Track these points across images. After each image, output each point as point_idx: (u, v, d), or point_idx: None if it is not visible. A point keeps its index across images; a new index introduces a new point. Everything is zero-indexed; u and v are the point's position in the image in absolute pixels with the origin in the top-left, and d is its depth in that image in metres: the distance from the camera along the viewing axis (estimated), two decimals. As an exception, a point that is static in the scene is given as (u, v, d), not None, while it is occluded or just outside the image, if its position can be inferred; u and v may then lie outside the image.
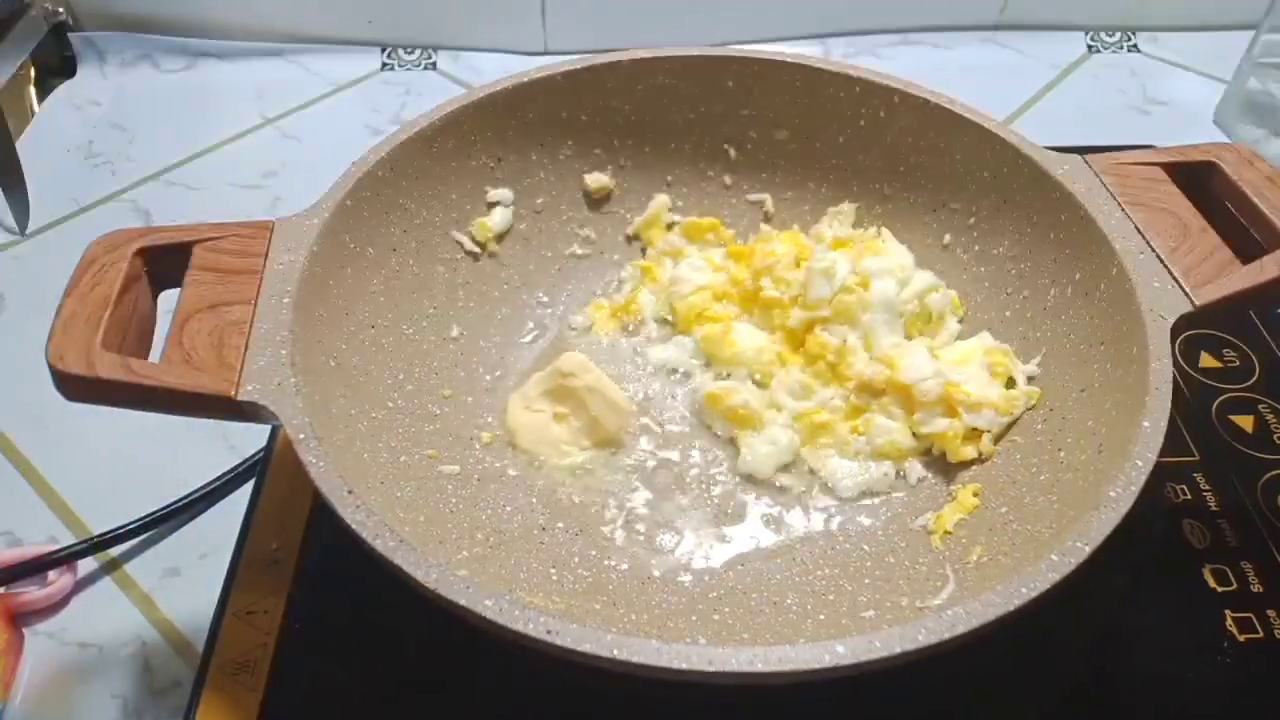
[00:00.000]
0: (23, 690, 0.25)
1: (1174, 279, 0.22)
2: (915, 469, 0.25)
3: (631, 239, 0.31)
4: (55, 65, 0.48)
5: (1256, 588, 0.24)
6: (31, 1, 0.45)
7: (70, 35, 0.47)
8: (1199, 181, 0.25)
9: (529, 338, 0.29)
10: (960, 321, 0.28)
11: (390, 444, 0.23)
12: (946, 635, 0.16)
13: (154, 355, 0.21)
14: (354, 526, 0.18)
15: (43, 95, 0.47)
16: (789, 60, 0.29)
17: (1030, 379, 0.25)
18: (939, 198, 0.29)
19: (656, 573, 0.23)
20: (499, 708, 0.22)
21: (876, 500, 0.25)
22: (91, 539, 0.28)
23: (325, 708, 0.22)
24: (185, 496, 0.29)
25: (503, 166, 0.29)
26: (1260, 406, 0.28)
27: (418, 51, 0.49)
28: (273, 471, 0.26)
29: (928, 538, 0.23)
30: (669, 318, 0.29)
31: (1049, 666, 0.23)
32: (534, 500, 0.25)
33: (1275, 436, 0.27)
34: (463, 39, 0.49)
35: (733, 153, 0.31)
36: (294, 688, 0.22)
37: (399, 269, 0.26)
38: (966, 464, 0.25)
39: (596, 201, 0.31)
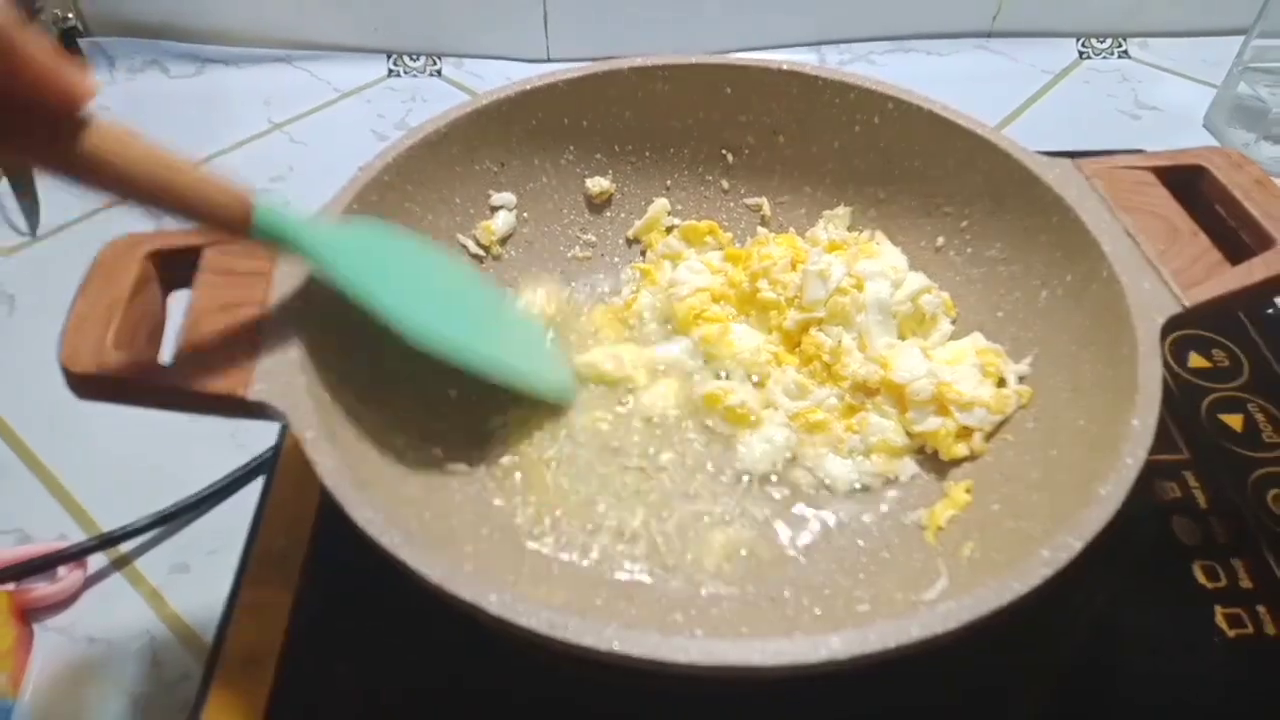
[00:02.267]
0: (33, 685, 0.25)
1: (1164, 281, 0.22)
2: (909, 466, 0.26)
3: (631, 242, 0.32)
4: (65, 71, 0.48)
5: (1246, 584, 0.24)
6: (41, 7, 0.46)
7: (80, 41, 0.48)
8: (1189, 185, 0.25)
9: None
10: (953, 322, 0.28)
11: (397, 443, 0.24)
12: (939, 629, 0.16)
13: (165, 355, 0.21)
14: (361, 524, 0.18)
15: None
16: (785, 68, 0.29)
17: (1021, 378, 0.26)
18: (932, 201, 0.29)
19: (656, 568, 0.24)
20: (504, 703, 0.22)
21: (871, 497, 0.25)
22: (101, 536, 0.28)
23: (333, 702, 0.22)
24: (195, 494, 0.29)
25: (506, 171, 0.30)
26: (1249, 405, 0.29)
27: (423, 59, 0.50)
28: (281, 469, 0.27)
29: (921, 534, 0.24)
30: (668, 319, 0.30)
31: (1040, 662, 0.23)
32: (538, 497, 0.25)
33: (1264, 435, 0.28)
34: (467, 47, 0.50)
35: (730, 158, 0.31)
36: (302, 682, 0.22)
37: (404, 271, 0.27)
38: (959, 461, 0.25)
39: (597, 205, 0.32)
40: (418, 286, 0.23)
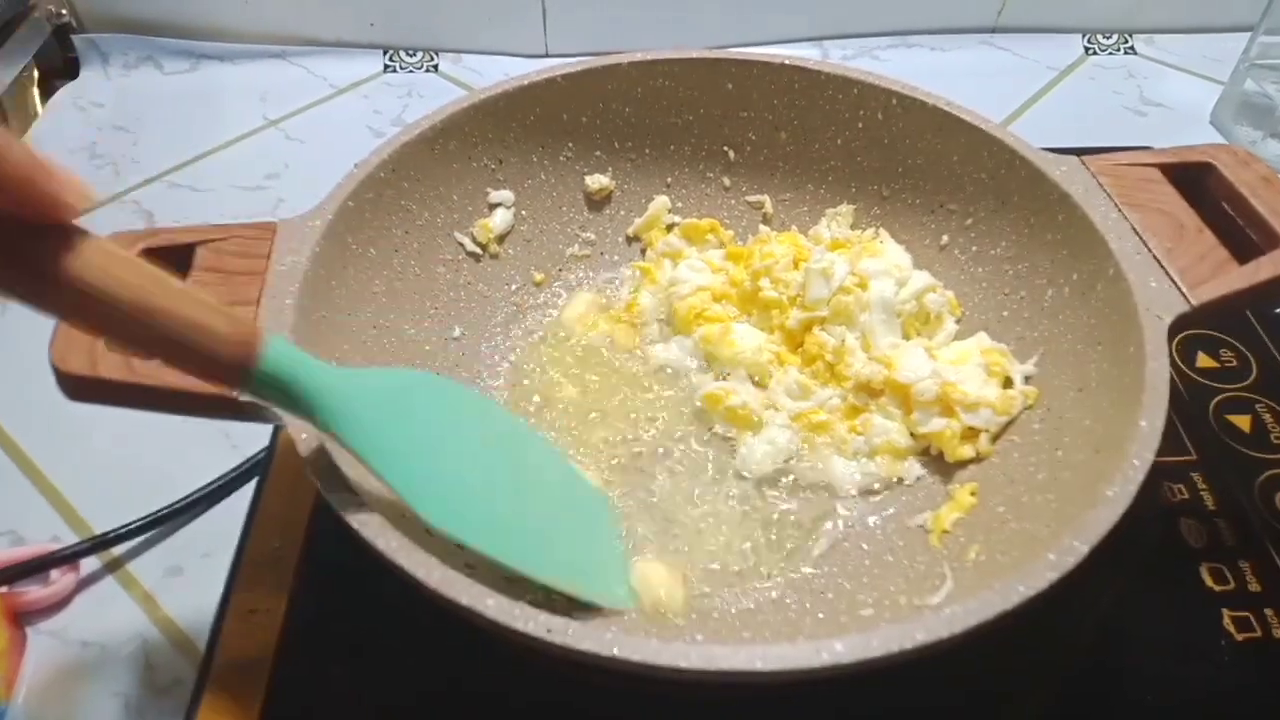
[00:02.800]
0: (25, 689, 0.25)
1: (1171, 279, 0.22)
2: (913, 468, 0.25)
3: (631, 240, 0.32)
4: (58, 67, 0.48)
5: (1254, 587, 0.24)
6: (35, 3, 0.46)
7: (73, 37, 0.47)
8: (1196, 182, 0.25)
9: (530, 338, 0.29)
10: (958, 322, 0.28)
11: (392, 443, 0.23)
12: (944, 634, 0.16)
13: (157, 355, 0.21)
14: (356, 526, 0.18)
15: (46, 97, 0.47)
16: (787, 63, 0.29)
17: (1027, 379, 0.25)
18: (936, 199, 0.29)
19: (655, 571, 0.23)
20: (500, 708, 0.22)
21: (874, 499, 0.25)
22: (94, 538, 0.28)
23: (327, 707, 0.22)
24: (187, 496, 0.29)
25: (504, 168, 0.29)
26: (1257, 406, 0.28)
27: (419, 54, 0.49)
28: (275, 471, 0.26)
29: (926, 537, 0.23)
30: (668, 318, 0.29)
31: (1047, 665, 0.23)
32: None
33: (1272, 436, 0.28)
34: (464, 42, 0.49)
35: (732, 154, 0.31)
36: (295, 687, 0.22)
37: (401, 270, 0.27)
38: (964, 463, 0.25)
39: (597, 203, 0.31)
40: (454, 459, 0.19)
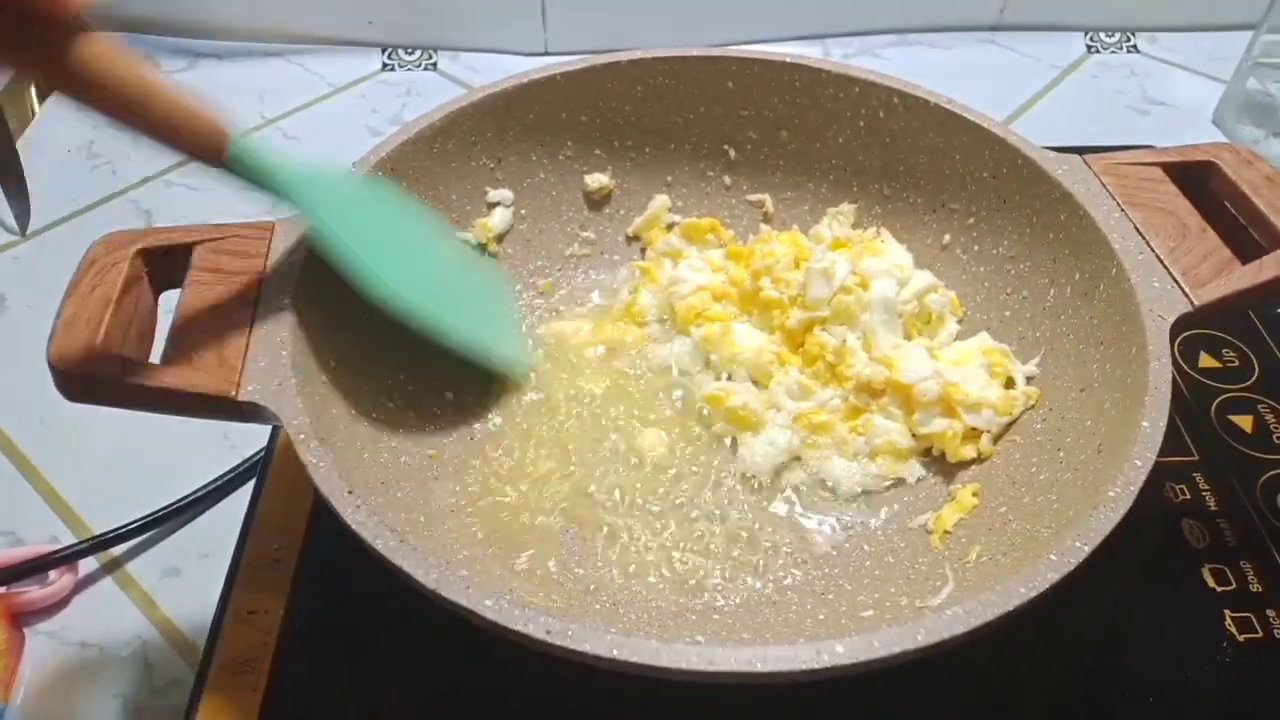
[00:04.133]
0: (24, 690, 0.25)
1: (1173, 279, 0.22)
2: (914, 469, 0.25)
3: (631, 239, 0.32)
4: (56, 66, 0.48)
5: (1256, 587, 0.24)
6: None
7: (71, 36, 0.47)
8: (1198, 182, 0.25)
9: (530, 338, 0.29)
10: (959, 322, 0.28)
11: (391, 444, 0.23)
12: (945, 635, 0.16)
13: (155, 356, 0.21)
14: (354, 527, 0.18)
15: (43, 95, 0.47)
16: (788, 61, 0.29)
17: (1029, 379, 0.25)
18: (938, 198, 0.29)
19: (655, 573, 0.23)
20: (499, 709, 0.22)
21: (875, 500, 0.25)
22: (92, 538, 0.28)
23: (325, 708, 0.22)
24: (186, 496, 0.29)
25: (503, 167, 0.29)
26: (1259, 406, 0.28)
27: (418, 52, 0.49)
28: (273, 471, 0.26)
29: (927, 537, 0.23)
30: (668, 318, 0.29)
31: (1048, 666, 0.23)
32: (534, 501, 0.25)
33: (1274, 436, 0.27)
34: (463, 40, 0.49)
35: (732, 153, 0.31)
36: (294, 688, 0.22)
37: (399, 269, 0.26)
38: (966, 464, 0.25)
39: (596, 202, 0.31)
40: (384, 238, 0.23)
